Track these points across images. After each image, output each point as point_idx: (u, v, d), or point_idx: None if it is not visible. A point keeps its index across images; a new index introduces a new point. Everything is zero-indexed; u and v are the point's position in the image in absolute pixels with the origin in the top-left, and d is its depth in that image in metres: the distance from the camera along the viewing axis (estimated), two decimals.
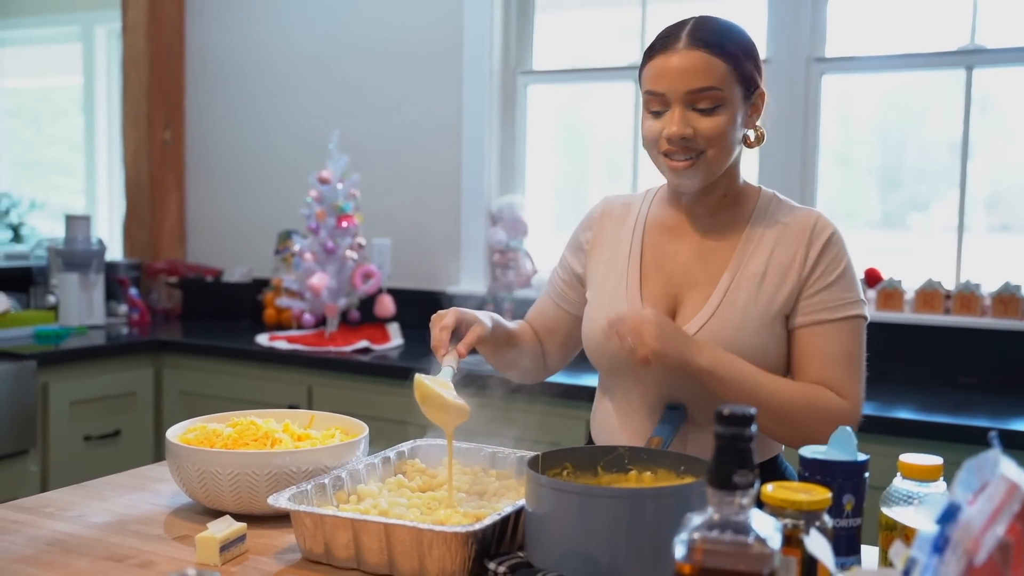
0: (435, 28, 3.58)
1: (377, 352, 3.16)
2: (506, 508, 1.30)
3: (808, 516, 1.02)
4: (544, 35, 3.54)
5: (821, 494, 1.02)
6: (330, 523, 1.28)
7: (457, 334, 1.54)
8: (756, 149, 1.61)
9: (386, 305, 3.44)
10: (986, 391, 2.72)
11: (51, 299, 3.68)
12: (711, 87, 1.48)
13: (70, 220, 3.62)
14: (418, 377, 1.43)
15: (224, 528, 1.31)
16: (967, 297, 2.88)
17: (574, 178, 3.70)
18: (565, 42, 3.58)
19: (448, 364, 1.50)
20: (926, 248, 3.13)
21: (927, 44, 2.96)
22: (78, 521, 1.47)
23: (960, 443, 2.27)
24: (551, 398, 2.63)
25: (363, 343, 3.18)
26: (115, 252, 4.25)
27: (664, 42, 1.52)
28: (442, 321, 1.53)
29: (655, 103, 1.52)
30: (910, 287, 2.95)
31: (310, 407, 3.13)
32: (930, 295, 2.91)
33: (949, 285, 2.92)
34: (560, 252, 1.79)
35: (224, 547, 1.29)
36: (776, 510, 1.04)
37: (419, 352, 3.17)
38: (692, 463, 1.33)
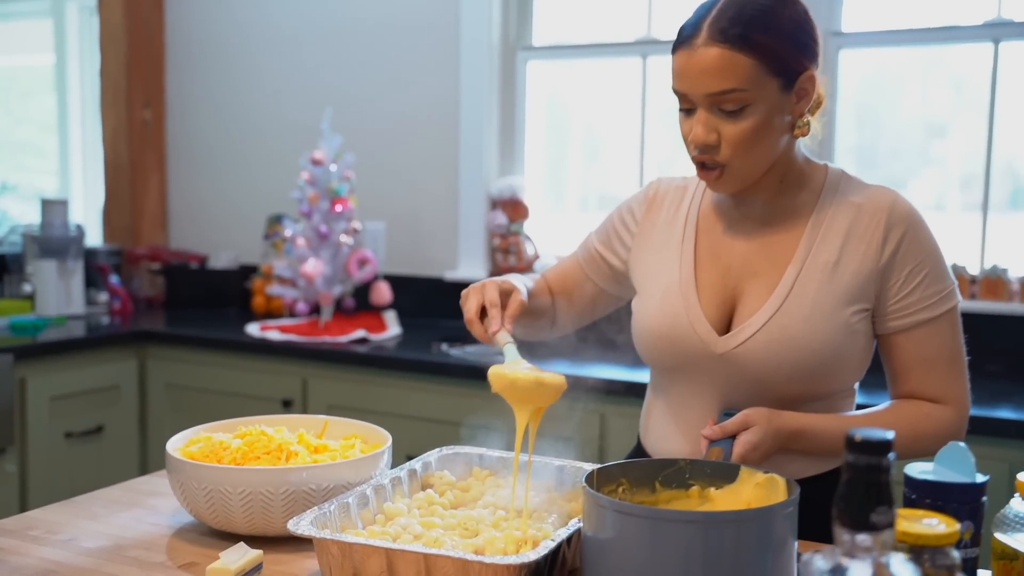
0: (431, 1, 3.40)
1: (375, 342, 3.01)
2: (560, 532, 1.15)
3: (932, 552, 0.88)
4: (545, 9, 3.37)
5: (950, 526, 0.88)
6: (360, 551, 1.13)
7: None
8: None
9: (382, 292, 3.28)
10: (1014, 379, 2.60)
11: (27, 288, 3.49)
12: (733, 89, 1.31)
13: (46, 204, 3.43)
14: (494, 369, 1.29)
15: (238, 558, 1.16)
16: (994, 282, 2.76)
17: (576, 159, 3.54)
18: (567, 16, 3.40)
19: (508, 341, 1.36)
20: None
21: (950, 17, 2.82)
22: (69, 546, 1.31)
23: (991, 436, 2.15)
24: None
25: (360, 332, 3.02)
26: (94, 238, 4.06)
27: (685, 33, 1.35)
28: (487, 296, 1.40)
29: (682, 101, 1.38)
30: None
31: (304, 400, 2.97)
32: (960, 279, 2.79)
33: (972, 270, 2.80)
34: (602, 222, 1.65)
35: None
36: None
37: (418, 341, 3.02)
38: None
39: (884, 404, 1.45)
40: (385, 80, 3.50)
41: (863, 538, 0.75)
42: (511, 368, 1.30)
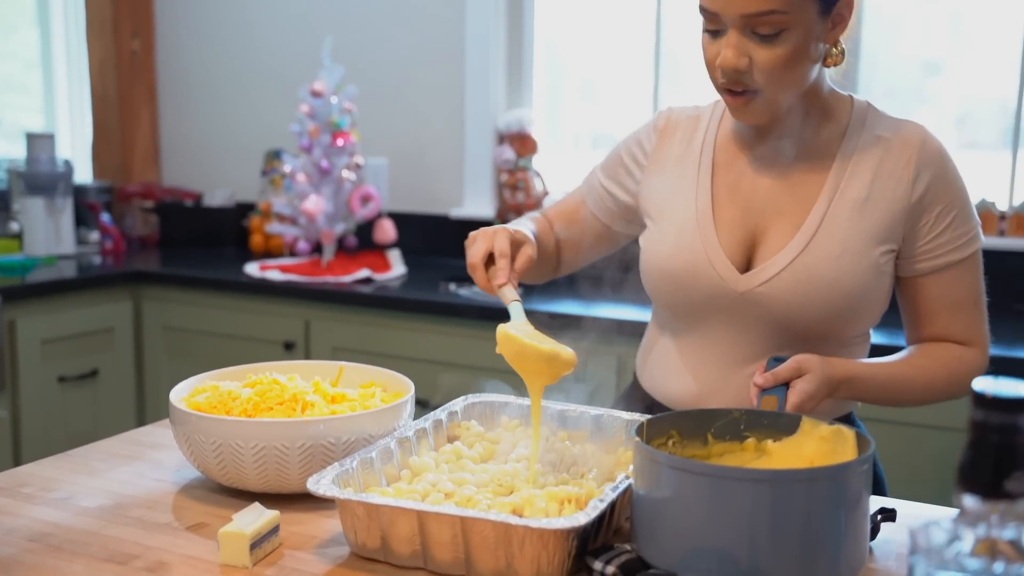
0: None
1: (379, 282, 2.89)
2: (608, 491, 1.04)
3: None
4: None
5: None
6: (389, 513, 1.02)
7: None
8: None
9: (386, 230, 3.15)
10: None
11: (14, 226, 3.35)
12: (772, 11, 1.20)
13: (32, 139, 3.28)
14: (503, 329, 1.17)
15: (254, 520, 1.05)
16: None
17: (580, 94, 3.39)
18: None
19: (515, 299, 1.24)
20: None
21: None
22: (66, 506, 1.20)
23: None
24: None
25: (364, 272, 2.90)
26: (83, 174, 3.90)
27: None
28: (497, 245, 1.26)
29: (710, 21, 1.26)
30: None
31: (307, 343, 2.86)
32: (983, 216, 2.68)
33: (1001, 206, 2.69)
34: (607, 156, 1.54)
35: (255, 544, 1.04)
36: None
37: (424, 280, 2.90)
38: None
39: (912, 348, 1.39)
40: (388, 6, 3.33)
41: (995, 507, 0.64)
42: (521, 332, 1.18)
